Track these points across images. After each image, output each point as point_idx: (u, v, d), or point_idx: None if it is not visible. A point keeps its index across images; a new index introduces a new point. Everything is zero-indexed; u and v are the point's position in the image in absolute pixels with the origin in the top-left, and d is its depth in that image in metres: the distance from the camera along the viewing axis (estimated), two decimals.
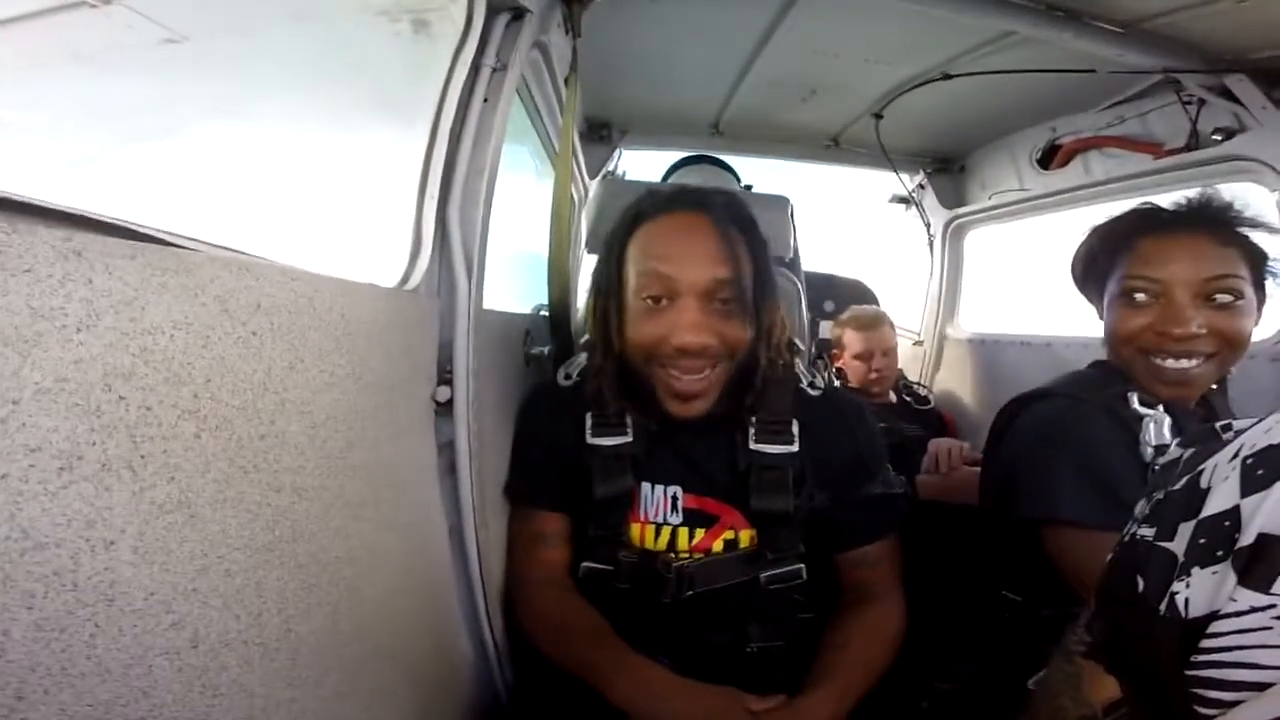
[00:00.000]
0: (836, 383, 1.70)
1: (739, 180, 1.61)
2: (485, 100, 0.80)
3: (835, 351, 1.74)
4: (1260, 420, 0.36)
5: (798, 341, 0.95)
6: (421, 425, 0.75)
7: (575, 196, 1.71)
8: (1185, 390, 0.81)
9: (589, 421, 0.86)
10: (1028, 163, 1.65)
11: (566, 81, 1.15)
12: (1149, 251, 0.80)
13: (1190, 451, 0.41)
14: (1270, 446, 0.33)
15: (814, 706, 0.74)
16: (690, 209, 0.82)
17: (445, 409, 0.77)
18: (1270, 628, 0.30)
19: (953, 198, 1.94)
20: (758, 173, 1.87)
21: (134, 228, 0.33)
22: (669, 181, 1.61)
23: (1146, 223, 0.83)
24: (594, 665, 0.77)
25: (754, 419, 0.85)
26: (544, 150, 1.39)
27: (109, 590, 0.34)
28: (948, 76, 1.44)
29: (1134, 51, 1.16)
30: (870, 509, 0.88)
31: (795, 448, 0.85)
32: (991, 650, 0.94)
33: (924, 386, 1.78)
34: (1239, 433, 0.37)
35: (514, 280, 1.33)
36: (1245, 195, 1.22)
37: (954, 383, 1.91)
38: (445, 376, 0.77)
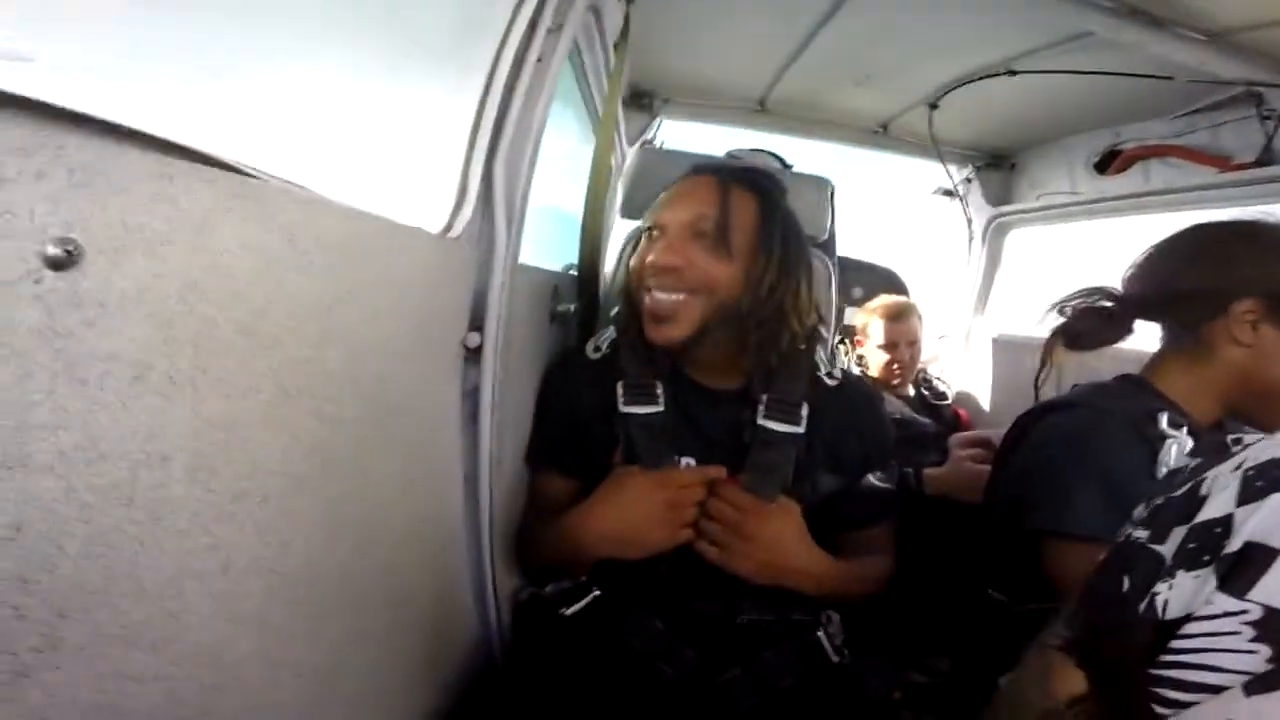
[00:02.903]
0: (856, 369, 1.71)
1: (783, 164, 1.59)
2: (539, 59, 0.81)
3: (858, 338, 1.73)
4: (1271, 435, 0.37)
5: (822, 329, 0.96)
6: (450, 369, 0.78)
7: (614, 162, 1.71)
8: None
9: (620, 390, 0.88)
10: (1083, 166, 1.59)
11: (616, 47, 1.15)
12: None
13: (1196, 462, 0.42)
14: (1273, 460, 0.34)
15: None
16: (707, 173, 0.90)
17: (474, 355, 0.80)
18: (1238, 633, 0.31)
19: (999, 195, 1.88)
20: (801, 153, 1.84)
21: (214, 156, 0.36)
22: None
23: None
24: (555, 534, 0.86)
25: (765, 397, 0.88)
26: (586, 113, 1.40)
27: (158, 508, 0.34)
28: (1012, 73, 1.39)
29: (1218, 61, 1.10)
30: (866, 500, 0.92)
31: (801, 429, 0.87)
32: (968, 646, 0.96)
33: (943, 382, 1.77)
34: (1247, 446, 0.38)
35: (546, 238, 1.35)
36: None
37: (975, 381, 1.89)
38: (477, 323, 0.80)
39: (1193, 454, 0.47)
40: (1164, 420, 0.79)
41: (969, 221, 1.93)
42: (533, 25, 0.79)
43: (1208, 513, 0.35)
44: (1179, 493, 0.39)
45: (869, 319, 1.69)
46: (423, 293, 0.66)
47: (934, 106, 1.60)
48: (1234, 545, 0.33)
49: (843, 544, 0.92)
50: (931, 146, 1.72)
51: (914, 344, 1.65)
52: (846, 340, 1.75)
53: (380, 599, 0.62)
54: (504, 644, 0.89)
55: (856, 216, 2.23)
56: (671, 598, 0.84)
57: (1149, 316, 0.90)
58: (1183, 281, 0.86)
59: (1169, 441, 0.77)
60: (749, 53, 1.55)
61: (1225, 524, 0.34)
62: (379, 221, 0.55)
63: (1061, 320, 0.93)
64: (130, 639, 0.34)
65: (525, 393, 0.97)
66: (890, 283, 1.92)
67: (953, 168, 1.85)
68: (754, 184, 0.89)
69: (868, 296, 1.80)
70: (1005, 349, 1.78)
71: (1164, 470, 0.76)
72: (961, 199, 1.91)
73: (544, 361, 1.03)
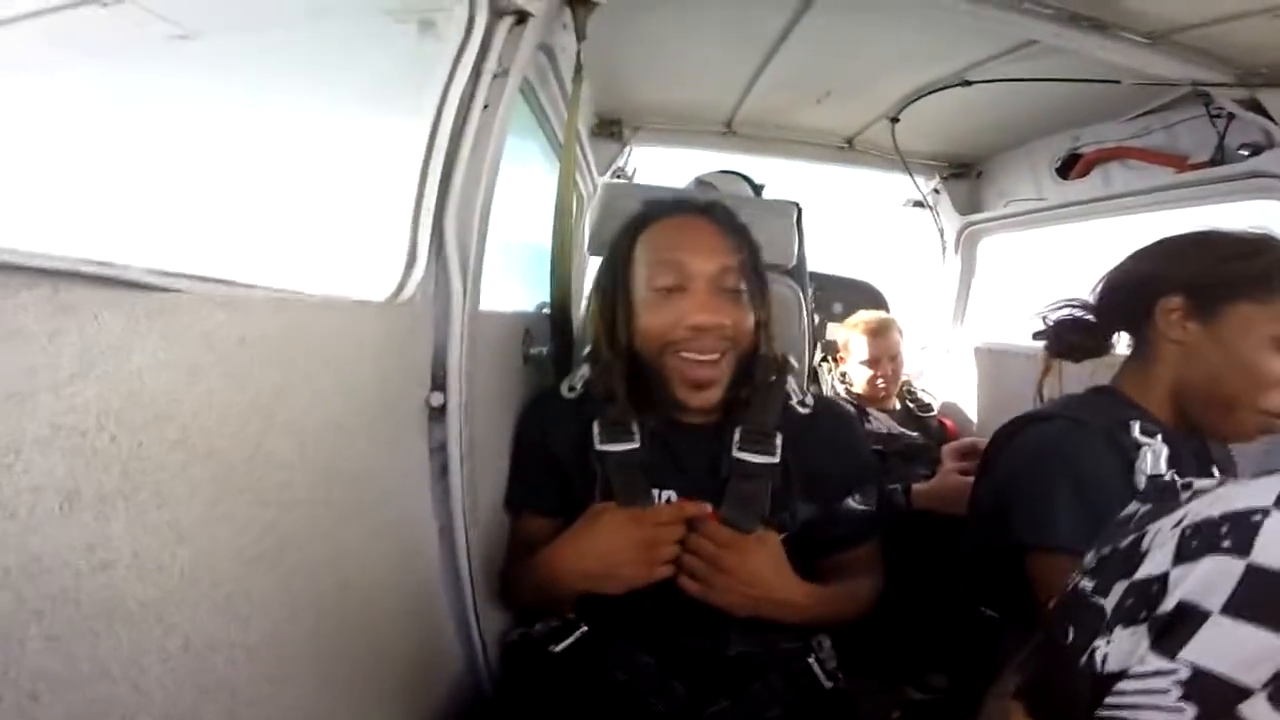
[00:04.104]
0: (840, 387, 1.71)
1: (753, 185, 1.60)
2: (486, 106, 0.81)
3: (840, 355, 1.73)
4: (1214, 489, 0.37)
5: (792, 359, 0.96)
6: (414, 430, 0.78)
7: (584, 193, 1.71)
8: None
9: (596, 429, 0.88)
10: (1047, 171, 1.61)
11: (573, 84, 1.15)
12: None
13: (1144, 509, 0.42)
14: (1209, 520, 0.34)
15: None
16: (694, 213, 0.89)
17: (438, 413, 0.79)
18: (1167, 691, 0.32)
19: (968, 204, 1.90)
20: (772, 172, 1.85)
21: (120, 276, 0.35)
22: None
23: None
24: (533, 569, 0.86)
25: (739, 429, 0.87)
26: (551, 148, 1.40)
27: (108, 604, 0.37)
28: (967, 83, 1.41)
29: (1162, 63, 1.12)
30: (846, 523, 0.91)
31: (776, 459, 0.87)
32: (965, 663, 0.95)
33: (927, 393, 1.78)
34: (1196, 493, 0.38)
35: (518, 277, 1.35)
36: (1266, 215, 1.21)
37: (958, 391, 1.89)
38: (439, 382, 0.79)
39: (1139, 496, 0.47)
40: (1136, 428, 0.79)
41: (941, 231, 1.94)
42: (476, 71, 0.79)
43: (1146, 569, 0.36)
44: (1124, 543, 0.39)
45: (850, 335, 1.69)
46: (376, 362, 0.66)
47: (895, 120, 1.62)
48: (1168, 605, 0.33)
49: (827, 567, 0.92)
50: (897, 159, 1.74)
51: (895, 358, 1.66)
52: (829, 357, 1.76)
53: (355, 653, 0.64)
54: (494, 680, 0.90)
55: (834, 231, 2.25)
56: (660, 632, 0.84)
57: (1117, 326, 0.91)
58: (1124, 283, 0.88)
59: (1144, 449, 0.78)
60: (712, 76, 1.57)
61: (1162, 582, 0.34)
62: (315, 303, 0.54)
63: (1044, 329, 0.94)
64: (101, 714, 0.37)
65: (500, 439, 0.96)
66: (869, 297, 1.94)
67: (921, 179, 1.87)
68: (735, 224, 0.90)
69: (848, 312, 1.80)
70: (988, 358, 1.79)
71: (1142, 477, 0.77)
72: (932, 209, 1.93)
73: (518, 406, 1.02)
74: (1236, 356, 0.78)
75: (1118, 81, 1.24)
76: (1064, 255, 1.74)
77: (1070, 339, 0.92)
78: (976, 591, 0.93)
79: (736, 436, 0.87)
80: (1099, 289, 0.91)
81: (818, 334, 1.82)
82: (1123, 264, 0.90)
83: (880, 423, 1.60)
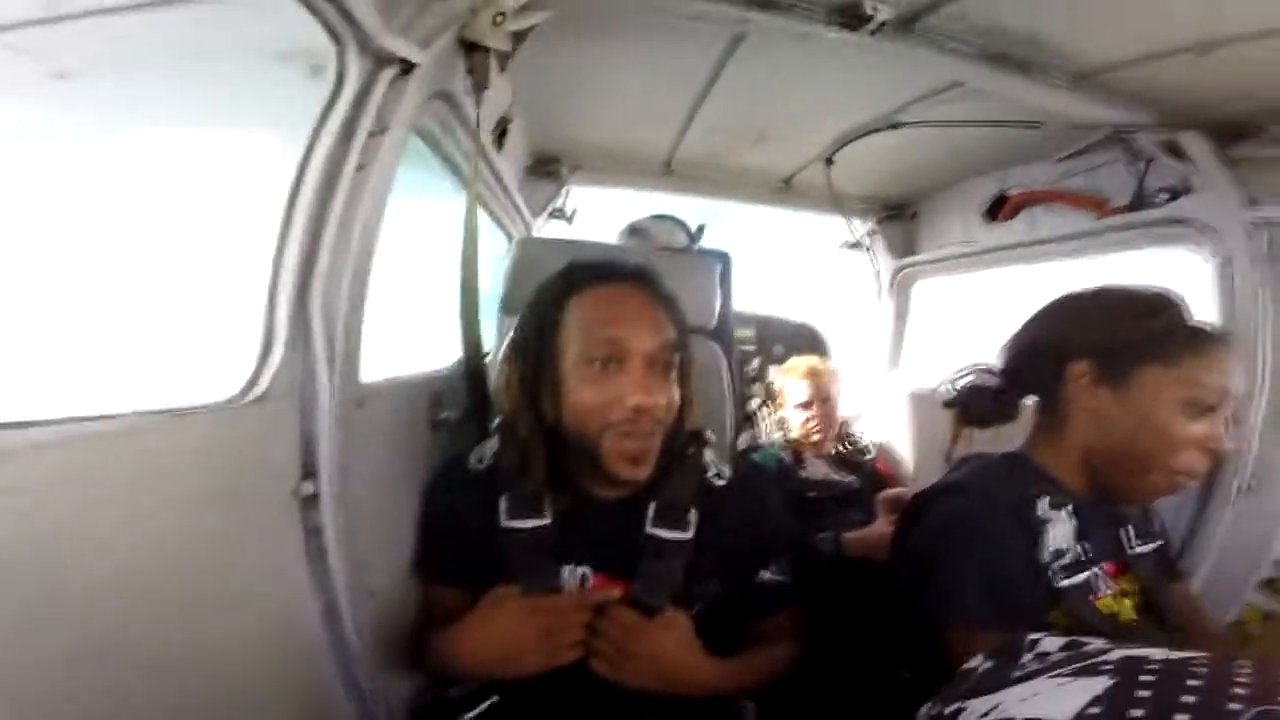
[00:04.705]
0: (779, 433, 1.69)
1: (687, 229, 1.57)
2: (360, 167, 0.74)
3: (778, 400, 1.71)
4: (1037, 676, 0.36)
5: (710, 431, 0.93)
6: (282, 519, 0.71)
7: (513, 237, 1.66)
8: None
9: (504, 504, 0.84)
10: (975, 213, 1.62)
11: (497, 134, 1.09)
12: (1211, 360, 0.77)
13: (986, 667, 0.41)
14: None
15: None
16: (628, 282, 0.84)
17: (311, 500, 0.73)
18: None
19: (903, 246, 1.91)
20: (713, 212, 1.82)
21: None
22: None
23: (1198, 333, 0.79)
24: (438, 648, 0.83)
25: (653, 504, 0.84)
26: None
27: None
28: (896, 126, 1.41)
29: (1084, 105, 1.13)
30: (762, 595, 0.89)
31: (690, 535, 0.84)
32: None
33: (864, 436, 1.76)
34: (1041, 657, 0.38)
35: (433, 334, 1.28)
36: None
37: (894, 435, 1.88)
38: (310, 470, 0.72)
39: (986, 654, 0.44)
40: (1043, 505, 0.80)
41: (877, 274, 1.94)
42: (349, 129, 0.73)
43: None
44: (946, 710, 0.39)
45: (785, 381, 1.69)
46: (222, 464, 0.60)
47: (830, 162, 1.62)
48: None
49: (745, 633, 0.91)
50: (834, 201, 1.73)
51: (827, 401, 1.65)
52: (769, 402, 1.73)
53: None
54: None
55: (777, 271, 2.23)
56: (574, 702, 0.81)
57: (1025, 392, 0.90)
58: (1030, 350, 0.88)
59: (1050, 524, 0.79)
60: (648, 115, 1.55)
61: None
62: (131, 425, 0.49)
63: (954, 398, 0.93)
64: None
65: (401, 510, 0.91)
66: (809, 338, 1.93)
67: (858, 221, 1.86)
68: (667, 295, 0.86)
69: (789, 354, 1.79)
70: (922, 402, 1.77)
71: (1046, 552, 0.78)
72: (868, 251, 1.93)
73: (423, 475, 0.96)
74: (1147, 420, 0.78)
75: (1040, 124, 1.25)
76: (1004, 298, 1.74)
77: (980, 406, 0.91)
78: (895, 652, 0.93)
79: (651, 512, 0.84)
80: (1004, 356, 0.91)
81: (760, 375, 1.79)
82: (1025, 328, 0.89)
83: (815, 468, 1.59)
